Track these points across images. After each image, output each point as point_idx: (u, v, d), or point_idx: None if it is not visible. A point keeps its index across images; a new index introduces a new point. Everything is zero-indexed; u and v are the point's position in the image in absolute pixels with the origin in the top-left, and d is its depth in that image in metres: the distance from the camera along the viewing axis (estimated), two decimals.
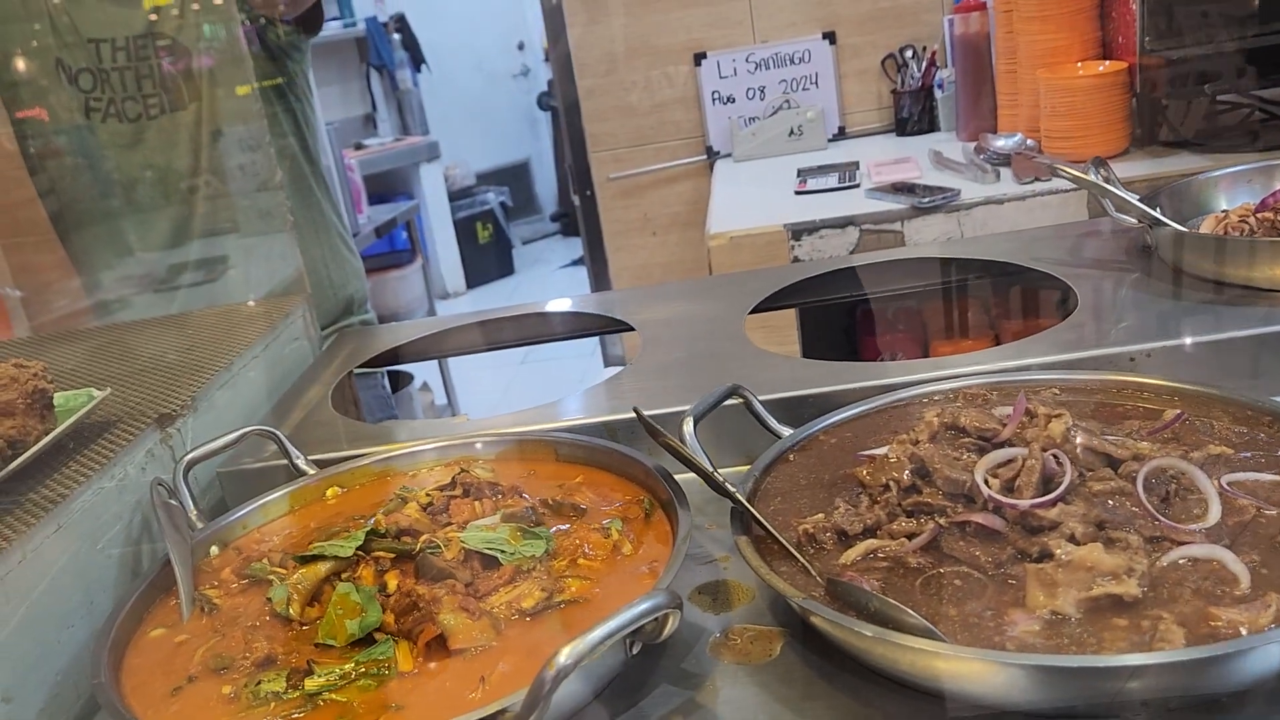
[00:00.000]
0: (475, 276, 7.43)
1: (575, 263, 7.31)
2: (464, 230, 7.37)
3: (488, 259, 7.54)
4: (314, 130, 2.52)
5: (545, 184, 8.57)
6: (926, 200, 2.84)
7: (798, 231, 2.91)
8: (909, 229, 2.86)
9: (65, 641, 1.06)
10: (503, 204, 7.83)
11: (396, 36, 7.53)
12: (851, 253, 2.84)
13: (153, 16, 2.23)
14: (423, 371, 4.98)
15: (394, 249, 5.64)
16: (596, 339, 3.98)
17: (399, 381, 4.67)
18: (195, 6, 2.22)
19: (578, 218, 4.26)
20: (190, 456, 1.24)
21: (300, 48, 2.46)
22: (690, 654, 1.00)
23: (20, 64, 2.25)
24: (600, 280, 4.22)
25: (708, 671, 0.97)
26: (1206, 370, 1.28)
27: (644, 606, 0.82)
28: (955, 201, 2.84)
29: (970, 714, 0.85)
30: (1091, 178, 1.54)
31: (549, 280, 7.51)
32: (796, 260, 2.87)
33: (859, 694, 0.91)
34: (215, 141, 2.25)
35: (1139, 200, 1.53)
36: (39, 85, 2.26)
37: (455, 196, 7.54)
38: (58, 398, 1.27)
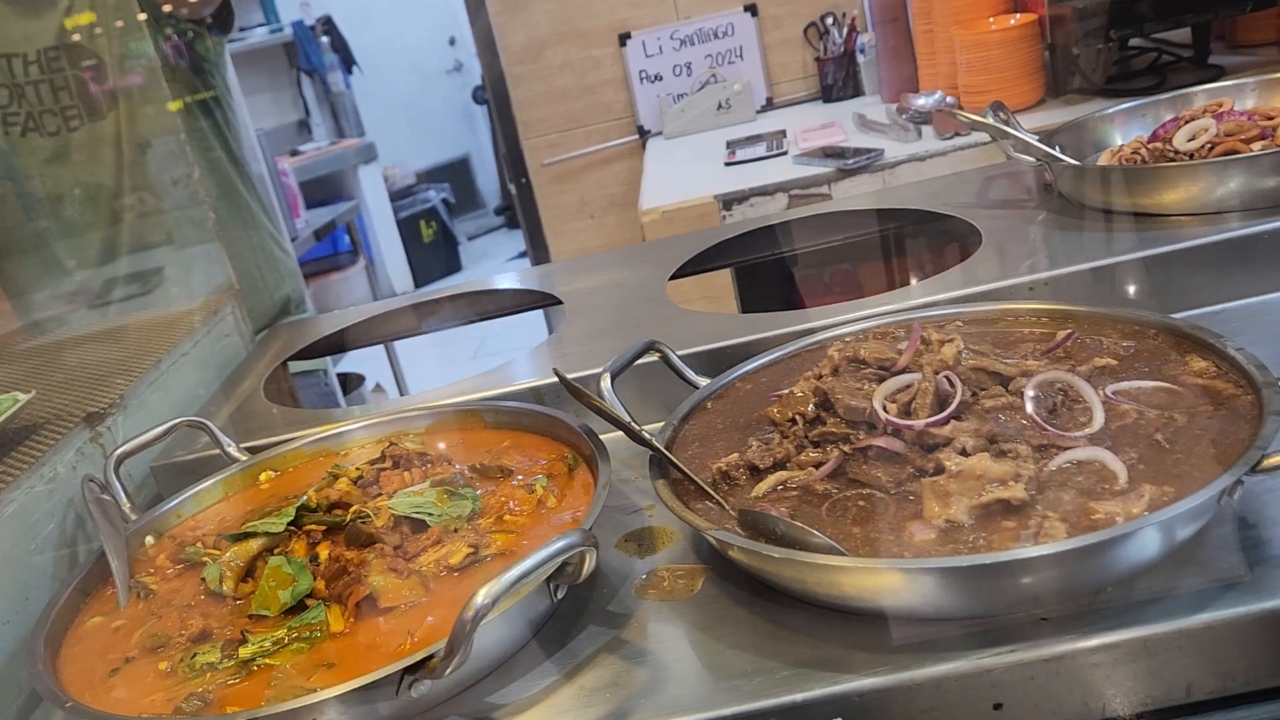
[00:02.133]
0: (422, 275, 7.40)
1: (522, 254, 7.31)
2: (408, 230, 7.34)
3: (434, 257, 7.51)
4: (239, 136, 2.52)
5: (487, 178, 8.55)
6: (851, 162, 2.90)
7: (728, 201, 2.95)
8: (836, 191, 2.92)
9: (3, 637, 1.08)
10: (445, 201, 7.80)
11: (325, 39, 7.46)
12: None
13: (65, 27, 2.22)
14: (375, 372, 4.97)
15: (336, 251, 5.62)
16: (544, 323, 3.99)
17: (349, 384, 4.66)
18: (106, 16, 2.21)
19: (516, 207, 4.28)
20: (120, 451, 1.26)
21: (219, 51, 2.46)
22: (616, 596, 1.04)
23: None
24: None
25: (633, 610, 1.01)
26: (1101, 294, 1.33)
27: (558, 545, 0.86)
28: (880, 161, 2.90)
29: (878, 626, 0.90)
30: (990, 120, 1.59)
31: (497, 274, 7.50)
32: None
33: (775, 617, 0.95)
34: (138, 151, 2.24)
35: (1037, 140, 1.58)
36: None
37: (396, 196, 7.50)
38: None
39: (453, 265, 7.75)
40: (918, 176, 2.85)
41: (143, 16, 2.26)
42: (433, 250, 7.57)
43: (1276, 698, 0.85)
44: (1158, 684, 0.85)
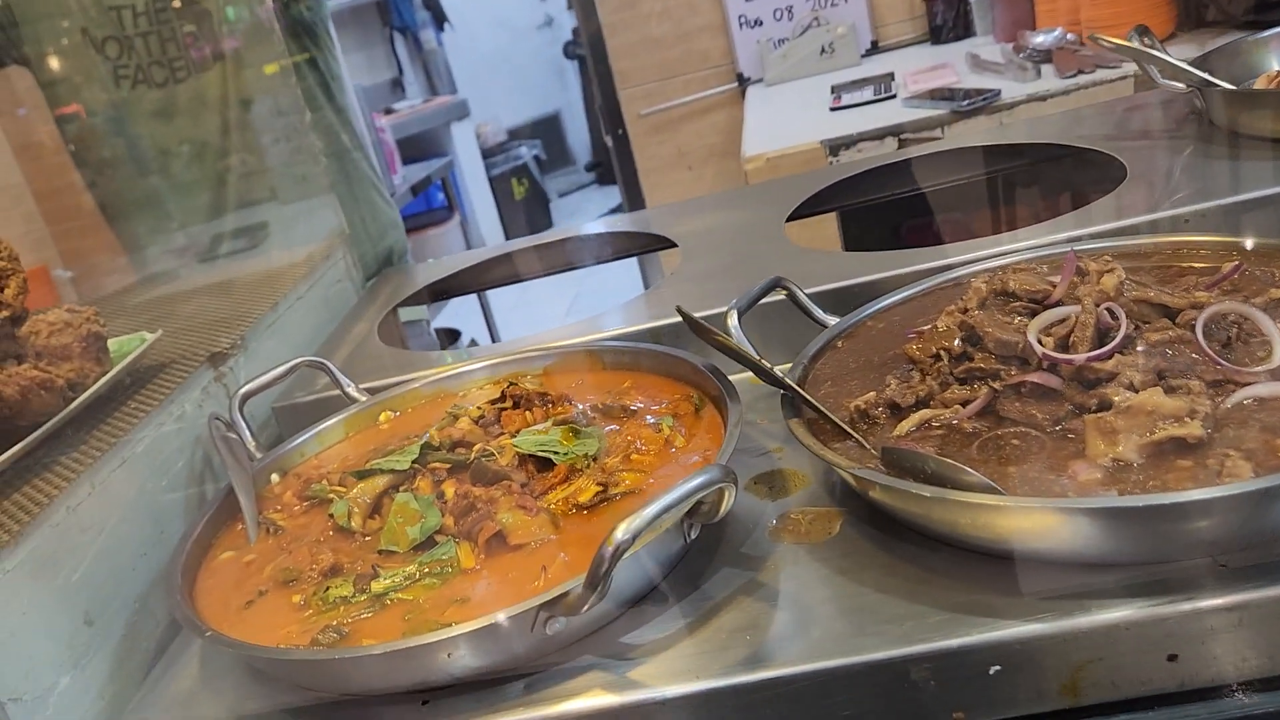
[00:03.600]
0: (514, 232, 7.42)
1: (613, 211, 7.28)
2: (499, 187, 7.35)
3: (525, 214, 7.53)
4: (342, 86, 2.52)
5: (577, 134, 8.52)
6: (966, 103, 2.78)
7: (835, 146, 2.86)
8: (950, 134, 2.80)
9: (140, 569, 1.09)
10: (536, 158, 7.80)
11: None
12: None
13: None
14: (470, 328, 5.01)
15: (430, 207, 5.66)
16: (638, 271, 3.95)
17: (447, 340, 4.71)
18: None
19: (612, 160, 4.23)
20: (244, 390, 1.26)
21: (321, 7, 2.46)
22: (749, 539, 1.00)
23: (51, 40, 2.27)
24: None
25: (768, 554, 0.97)
26: (1262, 226, 1.24)
27: (699, 480, 0.82)
28: (996, 102, 2.77)
29: (1036, 572, 0.84)
30: (1135, 45, 1.49)
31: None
32: None
33: (920, 560, 0.90)
34: (247, 104, 2.25)
35: (1188, 63, 1.48)
36: (71, 60, 2.28)
37: (488, 154, 7.52)
38: (111, 343, 1.29)
39: (543, 222, 7.76)
40: (1037, 116, 2.72)
41: None
42: (524, 207, 7.58)
43: None
44: None
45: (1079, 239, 1.24)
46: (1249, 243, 1.10)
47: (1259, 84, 1.49)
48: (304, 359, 1.32)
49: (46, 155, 2.50)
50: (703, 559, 0.98)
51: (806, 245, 2.74)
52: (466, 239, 6.22)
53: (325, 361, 1.33)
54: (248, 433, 1.24)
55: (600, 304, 1.52)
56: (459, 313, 4.99)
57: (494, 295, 3.37)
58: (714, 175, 4.01)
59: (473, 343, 5.02)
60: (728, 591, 0.93)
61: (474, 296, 3.02)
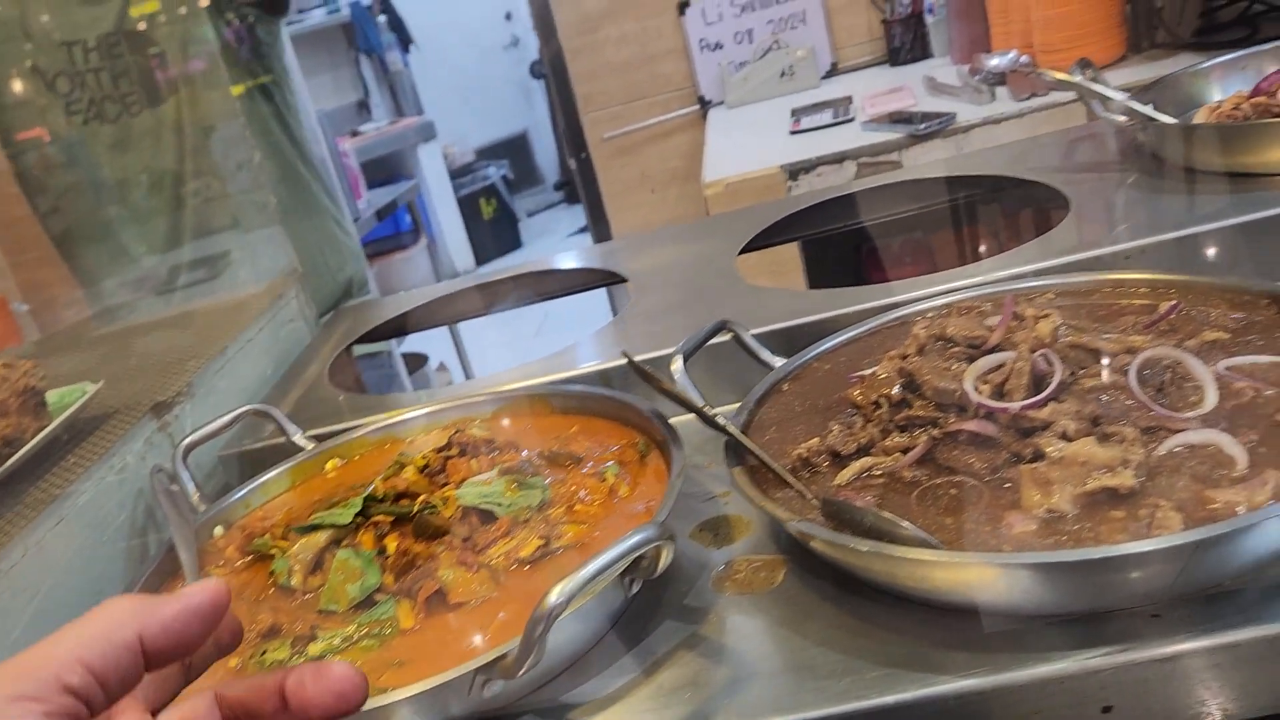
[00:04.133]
0: (483, 253, 7.42)
1: (582, 230, 7.28)
2: (468, 208, 7.35)
3: (494, 234, 7.53)
4: (299, 119, 2.51)
5: (546, 154, 8.53)
6: (922, 127, 2.80)
7: (794, 171, 2.88)
8: (907, 158, 2.82)
9: None
10: (504, 178, 7.80)
11: (382, 19, 7.48)
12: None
13: (124, 14, 2.22)
14: (438, 351, 4.99)
15: (398, 231, 5.64)
16: (607, 300, 3.95)
17: (414, 364, 4.68)
18: (165, 2, 2.21)
19: (576, 183, 4.24)
20: (187, 441, 1.24)
21: (276, 35, 2.45)
22: (693, 589, 0.99)
23: (1, 76, 2.25)
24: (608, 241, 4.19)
25: (711, 605, 0.97)
26: (1203, 262, 1.25)
27: (633, 540, 0.82)
28: (951, 125, 2.80)
29: (973, 623, 0.84)
30: (1077, 79, 1.50)
31: (557, 250, 7.47)
32: None
33: (862, 612, 0.90)
34: (200, 137, 2.24)
35: (1129, 98, 1.49)
36: (21, 96, 2.26)
37: (456, 174, 7.51)
38: (51, 395, 1.27)
39: (513, 242, 7.76)
40: (993, 140, 2.74)
41: (203, 2, 2.25)
42: (493, 227, 7.58)
43: None
44: None
45: (1022, 276, 1.24)
46: (1186, 280, 1.11)
47: (1200, 116, 1.50)
48: (249, 408, 1.31)
49: (2, 187, 2.47)
50: (647, 611, 0.98)
51: (769, 273, 2.76)
52: (435, 262, 6.21)
53: (271, 409, 1.32)
54: (191, 485, 1.22)
55: (570, 324, 1.52)
56: (428, 337, 4.98)
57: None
58: (677, 198, 4.02)
59: (441, 366, 5.00)
60: (669, 646, 0.93)
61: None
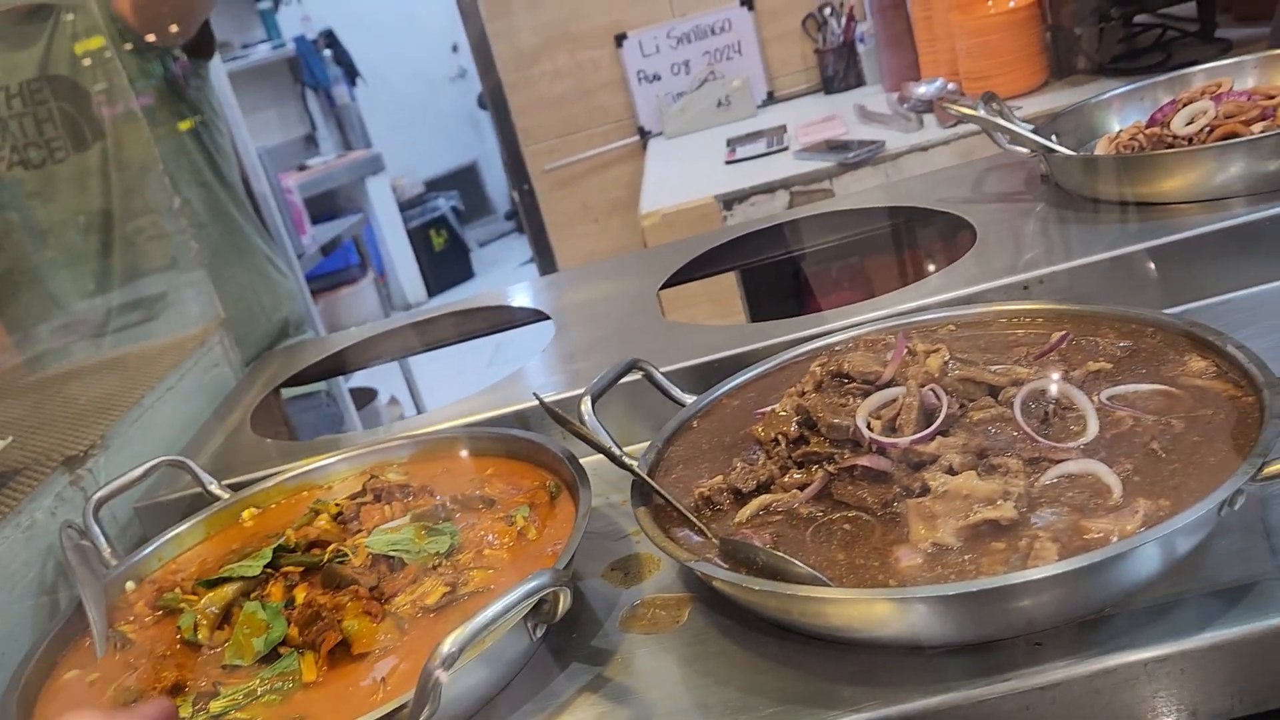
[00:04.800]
0: (435, 284, 7.40)
1: (532, 260, 7.29)
2: (418, 239, 7.33)
3: (446, 266, 7.51)
4: (229, 160, 2.50)
5: (496, 184, 8.53)
6: (852, 155, 2.85)
7: (729, 201, 2.91)
8: (839, 186, 2.87)
9: None
10: (454, 208, 7.80)
11: (328, 53, 7.47)
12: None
13: (47, 60, 2.20)
14: (390, 385, 4.96)
15: (346, 265, 5.61)
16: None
17: (363, 399, 4.65)
18: (87, 48, 2.20)
19: (520, 215, 4.26)
20: (99, 495, 1.23)
21: (204, 76, 2.44)
22: (601, 630, 1.00)
23: None
24: (548, 274, 4.21)
25: (618, 645, 0.97)
26: (1100, 290, 1.29)
27: (526, 588, 0.82)
28: (881, 153, 2.85)
29: (866, 656, 0.86)
30: (981, 113, 1.54)
31: (509, 280, 7.46)
32: None
33: (762, 649, 0.91)
34: (123, 183, 2.22)
35: (1030, 130, 1.53)
36: None
37: (406, 206, 7.49)
38: None
39: (465, 273, 7.74)
40: (923, 167, 2.80)
41: (127, 47, 2.24)
42: (444, 259, 7.56)
43: None
44: (1161, 709, 0.80)
45: (926, 308, 1.27)
46: (1078, 310, 1.14)
47: (1100, 147, 1.55)
48: (163, 459, 1.30)
49: None
50: (554, 653, 0.98)
51: (706, 303, 2.78)
52: (386, 295, 6.18)
53: (186, 460, 1.31)
54: (102, 539, 1.21)
55: (521, 351, 1.53)
56: (377, 371, 4.95)
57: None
58: (620, 227, 4.05)
59: (392, 400, 4.97)
60: (575, 688, 0.93)
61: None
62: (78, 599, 1.12)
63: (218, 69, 3.40)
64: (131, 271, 2.23)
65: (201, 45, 2.31)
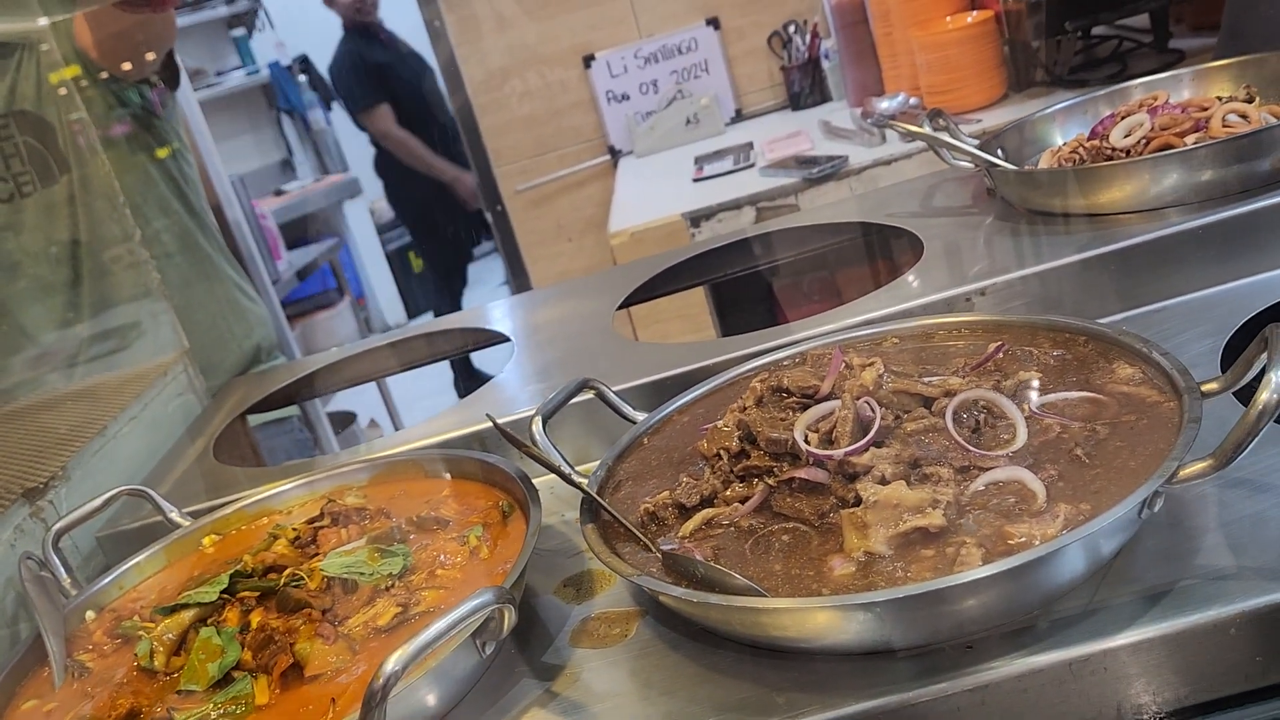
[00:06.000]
0: (415, 307, 7.41)
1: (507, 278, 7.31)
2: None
3: (425, 288, 7.51)
4: (195, 188, 2.51)
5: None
6: (816, 171, 2.89)
7: (695, 218, 2.95)
8: (804, 200, 2.91)
9: None
10: None
11: (303, 78, 7.50)
12: None
13: (12, 94, 2.22)
14: (369, 408, 4.97)
15: (324, 289, 5.62)
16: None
17: (342, 423, 4.66)
18: (53, 81, 2.21)
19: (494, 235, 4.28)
20: (58, 526, 1.24)
21: (171, 107, 2.46)
22: (552, 646, 1.02)
23: None
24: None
25: (567, 660, 0.99)
26: (1042, 300, 1.32)
27: (469, 606, 0.84)
28: (844, 168, 2.89)
29: (804, 664, 0.88)
30: (926, 129, 1.58)
31: (489, 300, 7.48)
32: None
33: (706, 660, 0.93)
34: (88, 216, 2.23)
35: (974, 146, 1.57)
36: None
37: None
38: None
39: None
40: (884, 180, 2.84)
41: (103, 76, 2.26)
42: (423, 281, 7.56)
43: (1209, 712, 0.83)
44: (1088, 707, 0.83)
45: (871, 322, 1.30)
46: (1013, 321, 1.17)
47: (1043, 160, 1.58)
48: (123, 488, 1.31)
49: None
50: (505, 670, 1.00)
51: (677, 319, 2.81)
52: (364, 318, 6.19)
53: (146, 489, 1.33)
54: (62, 570, 1.22)
55: (497, 369, 1.55)
56: (356, 393, 4.96)
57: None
58: (593, 245, 4.07)
59: (371, 423, 4.98)
60: (522, 705, 0.95)
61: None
62: (37, 630, 1.13)
63: (188, 97, 3.42)
64: (99, 303, 2.24)
65: (167, 76, 2.33)
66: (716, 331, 2.83)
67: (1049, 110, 1.71)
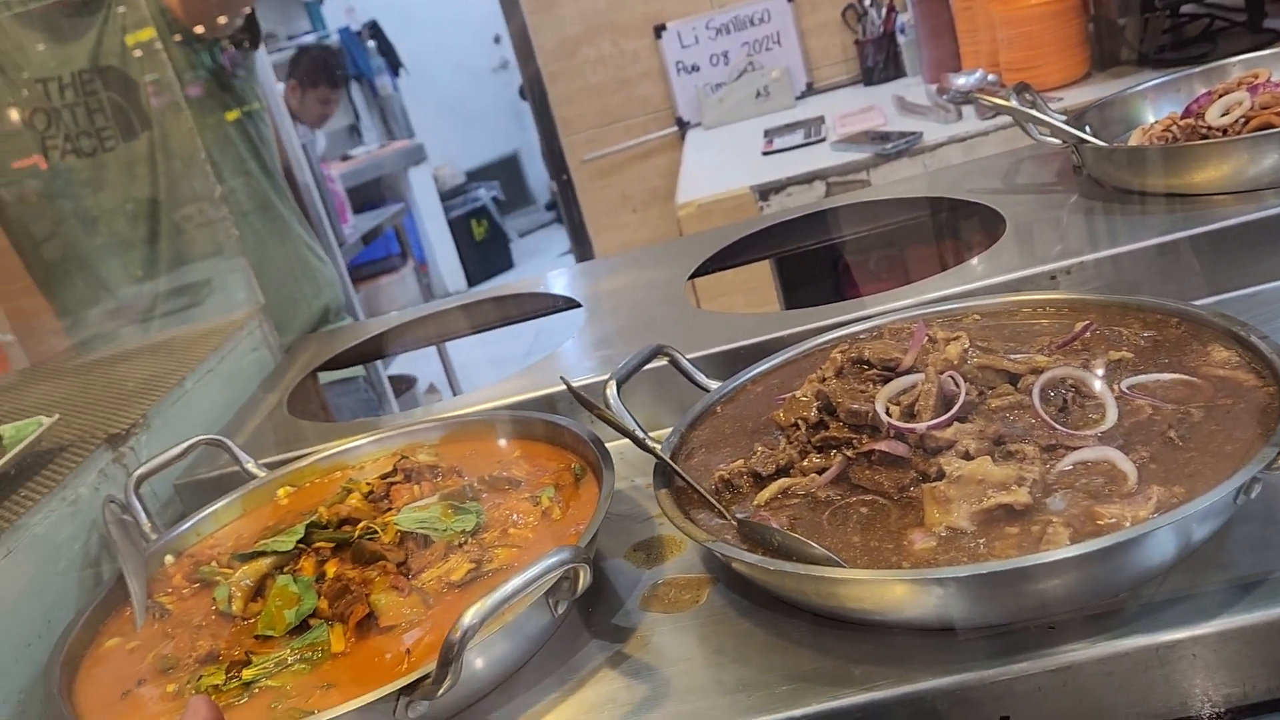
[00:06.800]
0: (475, 274, 7.47)
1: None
2: (459, 229, 7.40)
3: (486, 255, 7.57)
4: (272, 149, 2.55)
5: (537, 174, 8.58)
6: (889, 147, 2.84)
7: (765, 191, 2.92)
8: (875, 177, 2.86)
9: (24, 660, 1.10)
10: (495, 198, 7.86)
11: (372, 44, 7.56)
12: None
13: (97, 50, 2.26)
14: (429, 372, 5.02)
15: (387, 254, 5.68)
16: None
17: (402, 386, 4.72)
18: (137, 38, 2.25)
19: (558, 205, 4.29)
20: (140, 472, 1.27)
21: (249, 66, 2.49)
22: (621, 609, 1.02)
23: None
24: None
25: (637, 624, 0.99)
26: (1129, 281, 1.28)
27: (547, 563, 0.85)
28: (918, 144, 2.84)
29: (879, 636, 0.87)
30: (1013, 103, 1.54)
31: (549, 270, 7.51)
32: None
33: (778, 628, 0.93)
34: (169, 171, 2.27)
35: (1063, 121, 1.53)
36: (2, 133, 2.30)
37: (447, 196, 7.57)
38: (8, 429, 1.30)
39: (505, 263, 7.81)
40: (961, 158, 2.79)
41: (176, 38, 2.30)
42: (484, 248, 7.63)
43: None
44: (1173, 694, 0.81)
45: (952, 297, 1.28)
46: (1102, 301, 1.14)
47: (1134, 138, 1.54)
48: (202, 438, 1.34)
49: None
50: (576, 631, 1.01)
51: (742, 292, 2.79)
52: (426, 284, 6.25)
53: (224, 439, 1.35)
54: (143, 514, 1.25)
55: (561, 338, 1.56)
56: (416, 357, 5.01)
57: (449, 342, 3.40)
58: (658, 217, 4.06)
59: (431, 387, 5.03)
60: (593, 665, 0.96)
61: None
62: (119, 571, 1.16)
63: (263, 60, 3.47)
64: (177, 258, 2.29)
65: (248, 35, 2.36)
66: (781, 305, 2.81)
67: (1140, 87, 1.66)
